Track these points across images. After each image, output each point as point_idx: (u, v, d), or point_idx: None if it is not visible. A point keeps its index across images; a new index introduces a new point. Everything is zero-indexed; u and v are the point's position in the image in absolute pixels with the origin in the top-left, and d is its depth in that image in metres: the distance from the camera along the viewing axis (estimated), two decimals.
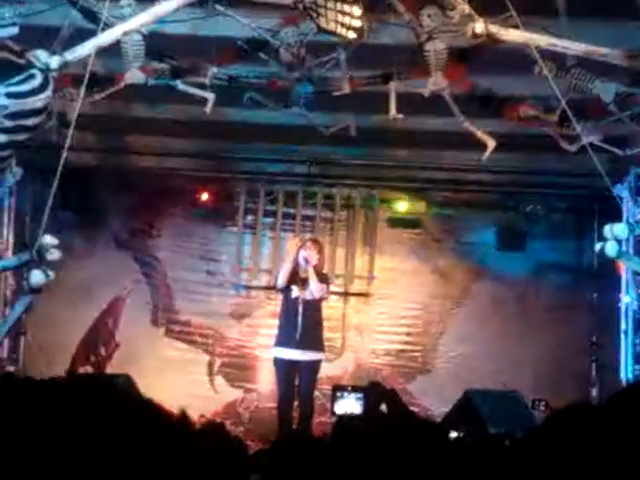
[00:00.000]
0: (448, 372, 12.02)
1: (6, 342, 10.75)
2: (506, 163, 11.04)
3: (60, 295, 11.15)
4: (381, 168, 11.88)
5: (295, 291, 9.72)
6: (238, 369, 12.12)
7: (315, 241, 10.23)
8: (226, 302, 12.25)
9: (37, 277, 7.67)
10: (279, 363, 9.76)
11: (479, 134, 8.76)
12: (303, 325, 9.61)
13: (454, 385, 11.43)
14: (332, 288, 10.60)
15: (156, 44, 8.60)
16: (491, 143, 8.72)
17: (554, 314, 11.93)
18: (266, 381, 11.65)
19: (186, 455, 4.26)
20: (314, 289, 9.66)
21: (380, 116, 9.18)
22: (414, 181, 11.93)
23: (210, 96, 8.72)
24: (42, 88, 7.21)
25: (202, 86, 8.79)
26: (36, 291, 7.86)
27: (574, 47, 7.70)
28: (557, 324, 11.89)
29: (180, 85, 8.83)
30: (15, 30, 7.13)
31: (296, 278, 9.74)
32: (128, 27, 7.74)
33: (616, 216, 8.84)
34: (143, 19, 7.82)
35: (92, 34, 7.57)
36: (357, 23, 8.03)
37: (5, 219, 11.06)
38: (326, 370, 10.71)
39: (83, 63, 7.60)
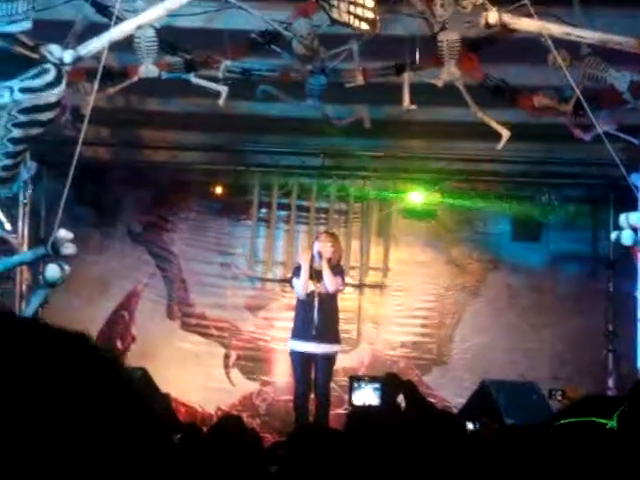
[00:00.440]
0: (464, 363, 12.01)
1: None
2: (521, 153, 11.04)
3: (76, 289, 11.19)
4: (395, 159, 11.87)
5: (310, 285, 9.72)
6: (254, 362, 12.13)
7: (329, 234, 10.22)
8: (241, 295, 12.26)
9: (53, 271, 7.70)
10: (295, 356, 9.76)
11: (493, 124, 8.74)
12: (319, 318, 9.60)
13: (470, 376, 11.44)
14: (347, 280, 10.59)
15: (169, 38, 8.62)
16: (505, 133, 8.70)
17: (570, 304, 11.91)
18: (282, 373, 11.67)
19: (204, 447, 4.27)
20: (328, 282, 9.65)
21: (394, 107, 9.17)
22: (428, 172, 11.91)
23: (223, 89, 8.73)
24: (56, 82, 7.22)
25: (215, 79, 8.79)
26: (52, 285, 7.89)
27: (588, 36, 7.67)
28: (573, 314, 11.87)
29: (193, 79, 8.84)
30: (29, 25, 7.14)
31: (311, 271, 9.73)
32: (141, 21, 7.74)
33: (632, 205, 8.80)
34: (156, 13, 7.82)
35: (105, 28, 7.58)
36: (370, 14, 8.02)
37: (20, 213, 11.08)
38: (342, 362, 10.72)
39: (96, 57, 7.61)
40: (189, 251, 12.32)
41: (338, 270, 9.85)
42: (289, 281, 10.36)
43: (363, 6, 7.90)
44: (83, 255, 9.37)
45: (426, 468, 3.79)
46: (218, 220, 12.34)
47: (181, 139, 11.56)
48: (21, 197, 10.93)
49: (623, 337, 11.47)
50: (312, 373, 9.72)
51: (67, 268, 7.74)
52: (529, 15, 7.58)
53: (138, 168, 12.00)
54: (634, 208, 8.42)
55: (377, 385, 9.38)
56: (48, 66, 7.15)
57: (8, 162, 7.45)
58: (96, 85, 7.66)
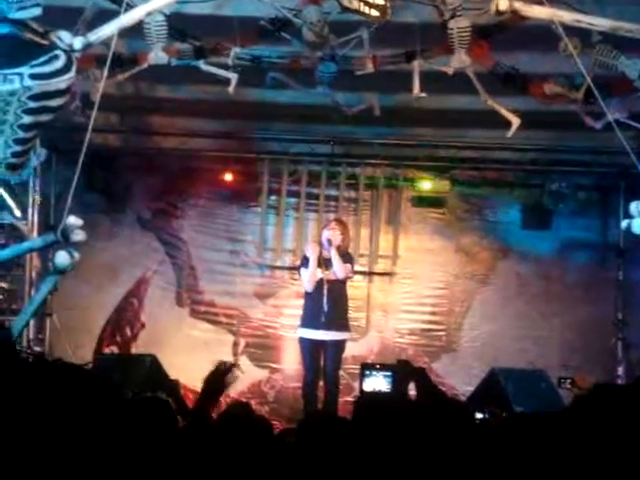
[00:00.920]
0: (473, 351, 12.01)
1: (32, 323, 10.81)
2: (531, 141, 11.03)
3: (85, 276, 11.20)
4: (405, 147, 11.85)
5: (319, 272, 9.72)
6: (263, 349, 12.14)
7: (339, 221, 10.21)
8: (250, 282, 12.26)
9: (62, 258, 7.70)
10: (304, 343, 9.77)
11: (503, 112, 8.72)
12: (328, 305, 9.60)
13: (479, 364, 11.44)
14: (356, 268, 10.58)
15: (179, 24, 8.60)
16: (515, 121, 8.69)
17: (580, 292, 11.90)
18: (291, 361, 11.68)
19: (213, 434, 4.27)
20: (337, 269, 9.65)
21: (404, 95, 9.15)
22: (438, 160, 11.89)
23: (233, 76, 8.71)
24: (66, 69, 7.21)
25: (225, 66, 8.78)
26: (61, 272, 7.89)
27: (599, 23, 7.63)
28: (583, 302, 11.86)
29: (203, 65, 8.83)
30: (38, 11, 7.13)
31: (320, 259, 9.73)
32: (151, 7, 7.72)
33: None
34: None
35: (115, 15, 7.56)
36: (380, 1, 8.01)
37: (30, 200, 11.11)
38: (351, 350, 10.72)
39: (106, 44, 7.60)
40: (198, 238, 12.32)
41: (347, 257, 9.85)
42: (297, 269, 10.36)
43: None
44: (92, 242, 9.37)
45: (433, 456, 3.79)
46: (227, 207, 12.34)
47: (191, 126, 11.56)
48: (31, 184, 10.96)
49: (633, 325, 11.47)
50: (321, 361, 9.73)
51: (77, 255, 7.74)
52: (540, 2, 7.55)
53: (148, 155, 11.99)
54: None
55: (388, 373, 9.37)
56: (58, 52, 7.14)
57: (18, 148, 7.45)
58: (106, 72, 7.65)
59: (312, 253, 9.74)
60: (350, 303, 10.17)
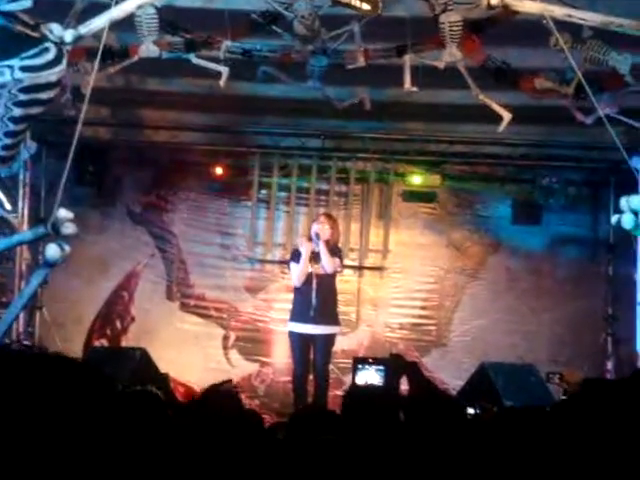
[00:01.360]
0: (463, 345, 12.02)
1: (22, 316, 10.79)
2: (522, 136, 11.04)
3: (75, 269, 11.20)
4: (396, 141, 11.86)
5: (308, 267, 9.72)
6: (253, 343, 12.14)
7: (328, 215, 10.21)
8: (240, 276, 12.26)
9: (53, 251, 7.68)
10: (294, 337, 9.78)
11: (495, 106, 8.73)
12: (317, 300, 9.61)
13: (469, 358, 11.46)
14: (347, 262, 10.59)
15: (170, 17, 8.59)
16: (507, 115, 8.69)
17: (570, 287, 11.92)
18: (281, 355, 11.68)
19: (203, 428, 4.27)
20: (325, 264, 9.66)
21: (395, 89, 9.15)
22: (429, 154, 11.90)
23: (224, 70, 8.71)
24: (56, 62, 7.19)
25: (216, 60, 8.77)
26: (52, 265, 7.87)
27: (590, 18, 7.64)
28: (573, 297, 11.88)
29: (194, 59, 8.81)
30: (29, 3, 7.10)
31: (304, 245, 9.76)
32: (142, 0, 7.72)
33: (632, 188, 8.79)
34: None
35: (106, 7, 7.55)
36: None
37: (20, 193, 11.09)
38: (341, 344, 10.73)
39: (97, 36, 7.59)
40: (189, 232, 12.31)
41: (336, 251, 9.86)
42: (287, 263, 10.36)
43: None
44: (83, 235, 9.35)
45: (423, 450, 3.80)
46: (218, 201, 12.32)
47: (181, 119, 11.55)
48: (21, 177, 10.94)
49: (622, 320, 11.49)
50: (311, 354, 9.74)
51: (67, 248, 7.72)
52: None
53: (138, 148, 11.98)
54: (635, 191, 8.41)
55: (381, 366, 9.39)
56: (49, 45, 7.13)
57: (8, 141, 7.44)
58: (96, 64, 7.64)
59: (305, 249, 9.74)
60: (340, 297, 10.18)
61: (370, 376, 9.55)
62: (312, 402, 9.43)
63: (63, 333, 11.48)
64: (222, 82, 8.73)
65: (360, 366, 9.74)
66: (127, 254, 12.24)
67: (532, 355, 11.23)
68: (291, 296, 10.13)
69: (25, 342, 11.21)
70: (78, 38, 7.38)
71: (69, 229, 7.67)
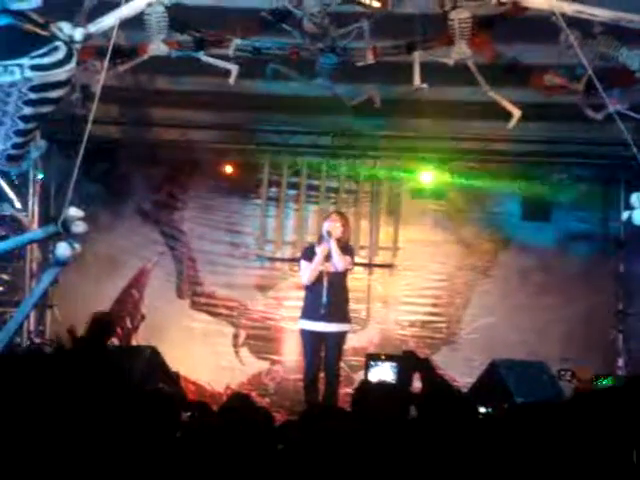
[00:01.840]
0: (473, 343, 12.01)
1: (33, 315, 10.81)
2: (531, 132, 11.00)
3: (85, 268, 11.22)
4: (405, 139, 11.84)
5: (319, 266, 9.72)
6: (263, 341, 12.15)
7: (339, 213, 10.21)
8: (250, 274, 12.27)
9: (63, 249, 7.69)
10: (305, 335, 9.77)
11: (504, 103, 8.71)
12: (328, 298, 9.59)
13: (479, 356, 11.44)
14: (357, 259, 10.58)
15: (179, 16, 8.58)
16: (516, 112, 8.67)
17: (580, 284, 11.89)
18: (291, 352, 11.69)
19: (215, 426, 4.27)
20: (336, 261, 9.65)
21: (404, 86, 9.13)
22: (439, 152, 11.88)
23: (234, 68, 8.70)
24: (66, 60, 7.19)
25: (226, 58, 8.76)
26: (62, 264, 7.88)
27: (600, 14, 7.62)
28: (583, 294, 11.85)
29: (203, 57, 8.80)
30: (39, 2, 7.11)
31: (319, 247, 9.75)
32: None
33: None
34: None
35: (115, 6, 7.55)
36: None
37: (30, 192, 11.11)
38: (351, 341, 10.73)
39: (106, 35, 7.59)
40: (199, 230, 12.33)
41: (347, 249, 9.85)
42: (297, 260, 10.36)
43: None
44: (93, 233, 9.36)
45: (432, 449, 3.79)
46: (228, 199, 12.34)
47: (191, 117, 11.55)
48: (31, 175, 10.96)
49: (633, 317, 11.47)
50: (322, 352, 9.73)
51: (78, 246, 7.73)
52: None
53: (148, 146, 11.98)
54: None
55: (394, 363, 9.38)
56: (59, 44, 7.13)
57: (18, 140, 7.44)
58: (106, 63, 7.64)
59: (321, 249, 9.72)
60: (350, 295, 10.17)
61: (383, 373, 9.55)
62: (323, 400, 9.44)
63: None
64: (232, 80, 8.73)
65: (373, 363, 9.74)
66: (137, 252, 12.26)
67: (543, 352, 11.21)
68: (301, 294, 10.13)
69: (36, 340, 11.23)
70: (88, 37, 7.39)
71: (79, 227, 7.68)
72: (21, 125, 7.35)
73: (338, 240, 9.70)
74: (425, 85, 8.64)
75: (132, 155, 11.98)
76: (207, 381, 11.66)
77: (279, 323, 12.08)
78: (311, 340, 9.71)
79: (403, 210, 12.17)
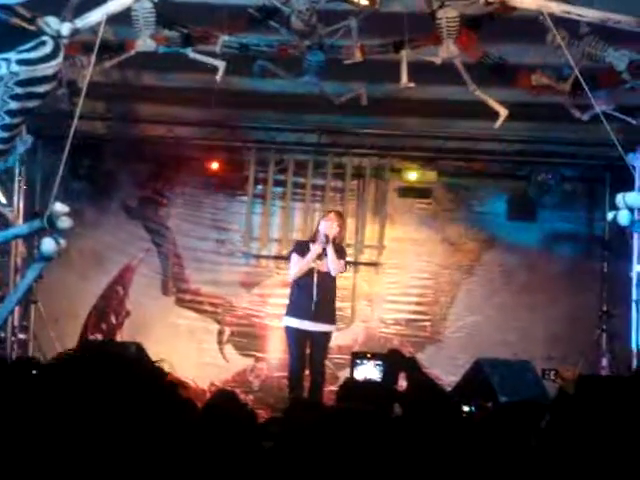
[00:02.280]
0: (458, 341, 12.03)
1: (17, 310, 10.77)
2: (517, 132, 11.03)
3: (71, 263, 11.19)
4: (392, 137, 11.85)
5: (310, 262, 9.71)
6: (248, 338, 12.14)
7: (338, 214, 10.15)
8: (236, 271, 12.26)
9: (48, 245, 7.68)
10: (291, 332, 9.76)
11: (491, 102, 8.72)
12: (318, 296, 9.59)
13: (464, 354, 11.46)
14: None
15: (167, 12, 8.57)
16: (503, 112, 8.69)
17: (564, 284, 11.92)
18: (276, 350, 11.68)
19: (199, 422, 4.27)
20: (332, 266, 9.64)
21: (391, 85, 9.14)
22: (425, 150, 11.90)
23: (221, 64, 8.69)
24: (53, 55, 7.18)
25: (213, 54, 8.75)
26: (47, 259, 7.87)
27: (588, 14, 7.65)
28: (567, 293, 11.88)
29: (191, 53, 8.80)
30: None
31: (314, 246, 9.73)
32: None
33: (628, 185, 8.81)
34: None
35: (103, 1, 7.54)
36: None
37: (16, 187, 11.06)
38: (336, 339, 10.73)
39: (94, 30, 7.58)
40: (184, 226, 12.31)
41: (341, 252, 9.85)
42: (287, 257, 10.33)
43: None
44: (78, 229, 9.35)
45: (415, 447, 3.80)
46: (214, 196, 12.32)
47: (177, 114, 11.53)
48: (17, 170, 10.91)
49: (617, 317, 11.49)
50: (307, 350, 9.73)
51: (63, 242, 7.73)
52: None
53: (134, 142, 11.96)
54: (631, 188, 8.43)
55: (379, 362, 9.40)
56: (45, 38, 7.12)
57: (4, 135, 7.43)
58: (93, 58, 7.63)
59: (315, 249, 9.70)
60: (336, 291, 10.17)
61: (368, 371, 9.57)
62: (307, 397, 9.44)
63: (58, 327, 11.46)
64: (219, 77, 8.72)
65: (358, 361, 9.75)
66: (122, 248, 12.23)
67: (527, 351, 11.24)
68: (287, 291, 10.13)
69: (20, 336, 11.20)
70: (75, 32, 7.38)
71: (65, 223, 7.67)
72: (7, 119, 7.34)
73: (333, 240, 9.69)
74: (412, 84, 8.66)
75: (118, 151, 11.95)
76: (191, 378, 11.63)
77: (264, 320, 12.07)
78: (297, 338, 9.71)
79: (389, 208, 12.17)
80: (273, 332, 11.68)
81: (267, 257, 12.22)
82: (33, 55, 7.11)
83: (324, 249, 9.68)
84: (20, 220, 10.72)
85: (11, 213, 10.66)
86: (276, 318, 11.17)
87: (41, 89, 7.31)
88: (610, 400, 3.35)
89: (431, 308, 12.22)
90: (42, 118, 9.64)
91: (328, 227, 9.71)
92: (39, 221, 7.79)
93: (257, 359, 12.07)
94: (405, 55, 8.65)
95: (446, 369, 11.64)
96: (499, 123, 8.78)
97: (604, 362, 11.54)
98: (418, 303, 12.24)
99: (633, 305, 10.65)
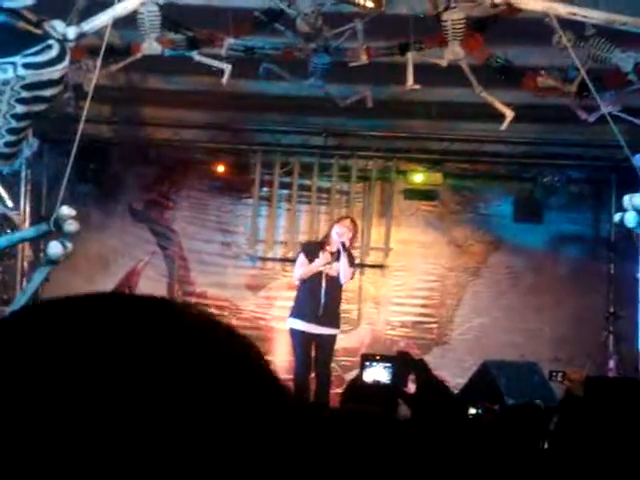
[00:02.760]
0: (464, 344, 12.02)
1: None
2: (524, 134, 11.03)
3: (77, 267, 11.19)
4: (398, 139, 11.85)
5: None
6: (254, 340, 12.08)
7: (352, 221, 10.11)
8: (242, 274, 12.26)
9: (55, 248, 7.68)
10: (296, 334, 9.75)
11: (497, 104, 8.72)
12: (326, 300, 9.58)
13: (470, 357, 11.44)
14: None
15: (172, 15, 8.57)
16: (509, 113, 8.68)
17: (571, 285, 11.91)
18: (282, 353, 11.66)
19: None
20: (342, 275, 9.63)
21: (397, 87, 9.14)
22: (431, 152, 11.90)
23: (227, 67, 8.69)
24: (59, 59, 7.18)
25: (218, 57, 8.76)
26: (54, 262, 7.87)
27: (594, 15, 7.63)
28: (574, 295, 11.87)
29: (196, 56, 8.80)
30: (31, 0, 7.10)
31: (325, 253, 9.72)
32: None
33: (634, 186, 8.77)
34: None
35: (109, 5, 7.54)
36: None
37: (22, 190, 11.08)
38: (342, 342, 10.73)
39: (99, 34, 7.58)
40: (190, 229, 12.31)
41: (352, 260, 9.85)
42: (290, 259, 10.34)
43: None
44: (84, 233, 9.34)
45: (421, 448, 3.79)
46: (219, 199, 12.33)
47: (183, 117, 11.54)
48: (23, 174, 10.93)
49: (624, 319, 11.49)
50: (312, 352, 9.72)
51: (69, 245, 7.73)
52: None
53: (140, 146, 11.97)
54: (637, 190, 8.40)
55: (388, 364, 9.38)
56: (51, 42, 7.12)
57: (11, 138, 7.43)
58: (99, 62, 7.64)
59: (324, 257, 9.68)
60: (342, 295, 10.18)
61: (378, 373, 9.55)
62: (314, 400, 9.43)
63: None
64: (224, 80, 8.72)
65: (368, 363, 9.74)
66: (128, 252, 12.24)
67: (534, 353, 11.22)
68: (292, 294, 10.12)
69: None
70: (81, 35, 7.38)
71: (72, 226, 7.68)
72: (13, 123, 7.35)
73: (343, 245, 9.67)
74: (418, 86, 8.65)
75: (124, 154, 11.96)
76: None
77: (270, 323, 12.06)
78: (302, 340, 9.70)
79: (395, 211, 12.17)
80: (279, 335, 11.66)
81: (273, 260, 12.21)
82: (39, 59, 7.11)
83: (338, 256, 9.64)
84: (26, 223, 10.74)
85: (17, 216, 10.69)
86: (282, 321, 11.15)
87: (47, 93, 7.31)
88: (618, 402, 3.36)
89: (438, 310, 12.21)
90: (48, 122, 9.66)
91: (343, 234, 9.68)
92: (46, 224, 7.80)
93: None
94: (411, 57, 8.65)
95: (453, 371, 11.62)
96: (505, 125, 8.78)
97: (611, 364, 11.52)
98: (424, 305, 12.23)
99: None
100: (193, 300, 12.21)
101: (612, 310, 11.71)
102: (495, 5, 7.63)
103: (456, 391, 10.07)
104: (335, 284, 9.70)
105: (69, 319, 0.98)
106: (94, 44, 7.95)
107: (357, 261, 11.88)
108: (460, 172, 12.09)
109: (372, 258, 12.15)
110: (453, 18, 8.24)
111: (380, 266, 12.17)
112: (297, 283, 9.99)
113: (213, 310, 12.12)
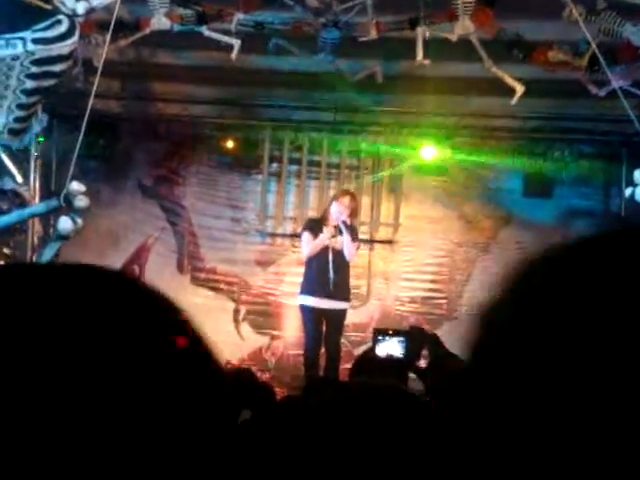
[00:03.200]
0: (474, 319, 12.00)
1: None
2: (533, 109, 10.96)
3: (86, 243, 11.18)
4: (407, 115, 11.80)
5: (326, 239, 9.72)
6: (264, 316, 12.15)
7: (352, 196, 10.11)
8: (251, 250, 12.26)
9: (65, 224, 7.70)
10: (306, 310, 9.77)
11: (507, 79, 8.69)
12: (335, 274, 9.61)
13: None
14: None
15: None
16: (519, 88, 8.66)
17: None
18: (292, 328, 11.69)
19: (216, 399, 4.29)
20: (347, 250, 9.65)
21: (407, 62, 9.11)
22: (440, 128, 11.85)
23: (236, 43, 8.68)
24: (68, 34, 7.18)
25: (228, 32, 8.74)
26: (64, 238, 7.89)
27: None
28: None
29: (205, 31, 8.79)
30: None
31: (329, 227, 9.73)
32: None
33: None
34: None
35: None
36: None
37: (32, 166, 11.08)
38: (351, 317, 10.74)
39: (109, 9, 7.57)
40: (200, 205, 12.31)
41: (355, 235, 9.86)
42: (299, 235, 10.35)
43: None
44: (94, 209, 9.37)
45: (433, 422, 3.79)
46: (229, 174, 12.32)
47: (192, 92, 11.51)
48: (32, 149, 10.93)
49: None
50: (322, 327, 9.74)
51: (79, 221, 7.75)
52: None
53: (149, 121, 11.96)
54: None
55: (402, 338, 9.39)
56: (61, 17, 7.12)
57: (20, 114, 7.44)
58: (108, 37, 7.63)
59: (328, 232, 9.70)
60: (351, 271, 10.19)
61: (391, 347, 9.56)
62: (324, 375, 9.45)
63: None
64: (234, 55, 8.71)
65: (381, 337, 9.75)
66: (138, 228, 12.25)
67: None
68: (302, 270, 10.13)
69: None
70: (90, 10, 7.38)
71: (82, 202, 7.70)
72: (23, 99, 7.35)
73: (344, 222, 9.69)
74: (427, 61, 8.63)
75: (133, 130, 11.96)
76: None
77: (279, 298, 12.08)
78: (313, 316, 9.72)
79: (404, 186, 12.15)
80: (289, 310, 11.68)
81: (282, 235, 12.21)
82: (49, 34, 7.11)
83: (340, 230, 9.67)
84: (36, 199, 10.75)
85: (27, 192, 10.70)
86: (292, 296, 11.17)
87: (57, 68, 7.31)
88: None
89: (447, 286, 12.21)
90: (58, 97, 9.66)
91: (342, 212, 9.69)
92: (56, 200, 7.82)
93: (273, 337, 12.08)
94: (421, 32, 8.62)
95: (462, 347, 11.64)
96: (515, 100, 8.76)
97: None
98: (434, 281, 12.23)
99: None
100: (202, 276, 12.24)
101: None
102: None
103: None
104: (342, 257, 9.71)
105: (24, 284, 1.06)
106: (103, 19, 7.94)
107: (367, 237, 11.91)
108: (470, 147, 12.04)
109: (381, 234, 12.14)
110: None
111: (389, 241, 12.17)
112: (305, 260, 10.00)
113: (223, 286, 12.17)
